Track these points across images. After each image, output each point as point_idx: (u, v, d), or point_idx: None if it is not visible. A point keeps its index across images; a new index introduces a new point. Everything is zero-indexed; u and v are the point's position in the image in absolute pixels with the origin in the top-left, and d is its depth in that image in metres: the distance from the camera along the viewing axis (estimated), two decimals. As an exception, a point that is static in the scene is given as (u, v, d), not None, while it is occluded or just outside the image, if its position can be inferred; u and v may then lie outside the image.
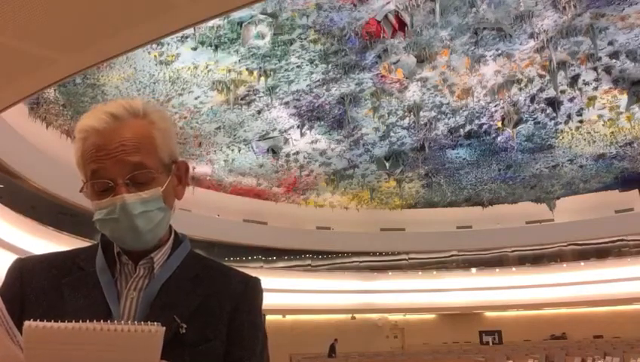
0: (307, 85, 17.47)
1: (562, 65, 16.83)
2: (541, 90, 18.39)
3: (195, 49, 15.08)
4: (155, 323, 0.84)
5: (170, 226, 1.14)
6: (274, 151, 20.40)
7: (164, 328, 0.84)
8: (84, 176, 1.06)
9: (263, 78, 16.64)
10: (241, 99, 17.68)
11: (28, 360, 0.84)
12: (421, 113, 19.20)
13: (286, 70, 16.65)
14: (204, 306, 1.06)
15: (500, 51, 16.56)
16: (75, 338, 0.84)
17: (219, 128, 19.18)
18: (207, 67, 16.00)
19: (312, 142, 20.68)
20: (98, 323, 0.85)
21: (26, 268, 1.10)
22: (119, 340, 0.83)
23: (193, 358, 1.00)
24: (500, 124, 19.95)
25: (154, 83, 16.27)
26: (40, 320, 0.84)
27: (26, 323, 0.83)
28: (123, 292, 1.05)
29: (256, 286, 1.17)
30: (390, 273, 25.99)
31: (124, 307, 1.04)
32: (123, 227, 1.02)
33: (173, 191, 1.11)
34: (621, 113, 19.17)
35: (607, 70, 17.21)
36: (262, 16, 14.28)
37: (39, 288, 1.06)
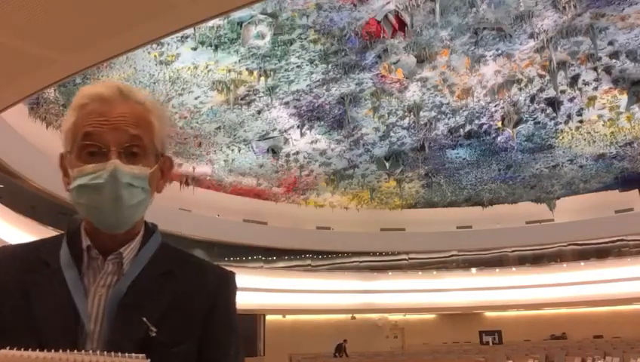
0: (307, 85, 17.47)
1: (562, 65, 16.83)
2: (541, 90, 18.39)
3: (195, 49, 15.08)
4: (135, 355, 0.80)
5: (143, 218, 1.09)
6: (274, 151, 20.40)
7: (149, 360, 0.81)
8: (70, 143, 1.01)
9: (263, 78, 16.64)
10: (241, 99, 17.68)
11: None
12: (421, 113, 19.20)
13: (286, 70, 16.65)
14: (177, 305, 1.01)
15: (500, 51, 16.56)
16: None
17: (219, 128, 19.18)
18: (207, 67, 16.00)
19: (312, 142, 20.68)
20: (79, 353, 0.80)
21: None
22: None
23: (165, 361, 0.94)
24: (499, 124, 19.95)
25: (154, 83, 16.27)
26: (11, 348, 0.79)
27: (1, 352, 0.80)
28: (91, 290, 1.00)
29: (232, 282, 1.13)
30: (390, 273, 25.99)
31: (91, 306, 0.98)
32: (105, 195, 0.96)
33: (156, 181, 1.07)
34: (621, 113, 19.16)
35: (607, 70, 17.21)
36: (262, 16, 14.28)
37: (4, 287, 0.99)
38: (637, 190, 23.22)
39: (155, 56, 15.16)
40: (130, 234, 1.04)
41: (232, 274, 1.14)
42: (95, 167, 0.97)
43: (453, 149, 21.68)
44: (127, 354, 0.80)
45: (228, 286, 1.12)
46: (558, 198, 24.97)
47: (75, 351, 0.81)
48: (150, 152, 1.03)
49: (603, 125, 19.95)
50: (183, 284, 1.05)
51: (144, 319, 0.95)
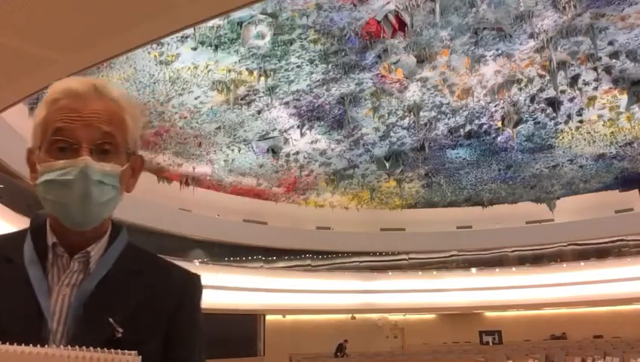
0: (307, 85, 17.47)
1: (562, 65, 16.83)
2: (541, 90, 18.39)
3: (195, 49, 15.08)
4: (128, 352, 0.79)
5: (111, 216, 1.07)
6: (274, 151, 20.40)
7: (140, 357, 0.80)
8: (40, 139, 0.99)
9: (263, 78, 16.64)
10: (241, 99, 17.68)
11: None
12: (421, 113, 19.20)
13: (286, 70, 16.65)
14: (143, 305, 1.00)
15: (500, 51, 16.56)
16: None
17: (219, 128, 19.18)
18: (207, 67, 16.00)
19: (312, 142, 20.68)
20: (66, 349, 0.77)
21: None
22: None
23: None
24: (499, 124, 19.95)
25: (154, 83, 16.27)
26: None
27: None
28: (54, 288, 0.97)
29: (198, 284, 1.12)
30: (390, 273, 25.98)
31: (55, 304, 0.96)
32: (75, 191, 0.95)
33: (127, 179, 1.05)
34: (621, 113, 19.16)
35: (607, 70, 17.20)
36: (262, 16, 14.28)
37: None
38: (637, 190, 23.21)
39: (155, 56, 15.16)
40: (97, 231, 1.03)
41: (197, 276, 1.13)
42: (65, 163, 0.95)
43: (453, 149, 21.67)
44: (119, 351, 0.78)
45: (194, 286, 1.11)
46: (558, 198, 24.97)
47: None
48: (122, 150, 1.02)
49: (603, 125, 19.95)
50: (150, 284, 1.04)
51: (110, 320, 0.94)
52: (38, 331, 0.93)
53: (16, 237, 1.04)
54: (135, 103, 1.09)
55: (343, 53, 16.13)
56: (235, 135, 19.75)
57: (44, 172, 0.97)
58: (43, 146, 0.98)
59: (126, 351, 0.78)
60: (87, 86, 1.01)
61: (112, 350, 0.78)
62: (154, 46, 14.33)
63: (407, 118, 19.65)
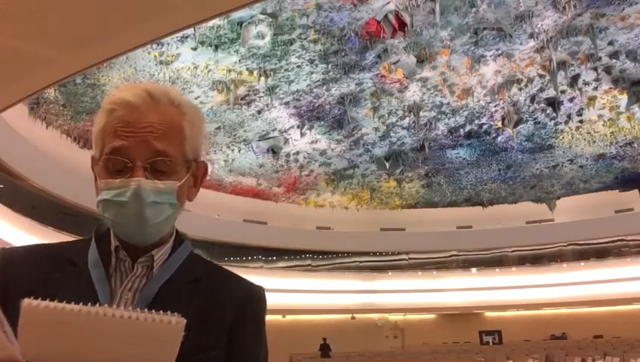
0: (307, 85, 17.47)
1: (562, 65, 16.83)
2: (541, 90, 18.39)
3: (195, 49, 15.08)
4: (171, 313, 0.78)
5: (173, 225, 1.07)
6: (274, 151, 20.40)
7: (185, 320, 0.79)
8: (99, 151, 0.99)
9: (263, 78, 16.64)
10: (241, 99, 17.69)
11: (23, 347, 0.73)
12: (421, 113, 19.20)
13: (286, 70, 16.65)
14: (205, 312, 0.99)
15: (500, 51, 16.56)
16: (82, 322, 0.75)
17: (219, 128, 19.18)
18: (207, 67, 16.00)
19: (312, 142, 20.68)
20: (111, 307, 0.77)
21: (10, 259, 1.02)
22: (135, 330, 0.75)
23: None
24: (500, 124, 19.95)
25: (154, 83, 16.26)
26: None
27: (25, 301, 0.76)
28: (117, 292, 0.97)
29: (261, 296, 1.11)
30: (390, 273, 25.98)
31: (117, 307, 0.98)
32: (129, 213, 0.94)
33: (187, 190, 1.04)
34: (621, 113, 19.16)
35: (607, 70, 17.21)
36: (262, 16, 14.28)
37: (25, 283, 0.96)
38: (637, 190, 23.20)
39: (155, 56, 15.17)
40: (160, 239, 1.03)
41: (260, 288, 1.12)
42: (120, 183, 0.95)
43: (453, 149, 21.68)
44: (161, 312, 0.77)
45: (256, 298, 1.10)
46: (558, 198, 24.96)
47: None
48: (179, 163, 1.00)
49: (603, 125, 19.95)
50: (211, 293, 1.03)
51: None
52: None
53: (81, 243, 1.05)
54: (195, 108, 1.06)
55: (343, 53, 16.13)
56: (235, 135, 19.76)
57: (102, 189, 0.97)
58: (101, 160, 0.98)
59: (169, 312, 0.78)
60: (141, 96, 0.98)
61: (154, 311, 0.78)
62: (154, 46, 14.33)
63: (407, 118, 19.65)
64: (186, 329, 0.88)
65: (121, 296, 0.97)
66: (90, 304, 0.86)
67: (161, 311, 0.79)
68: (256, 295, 1.10)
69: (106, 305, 0.80)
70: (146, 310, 0.79)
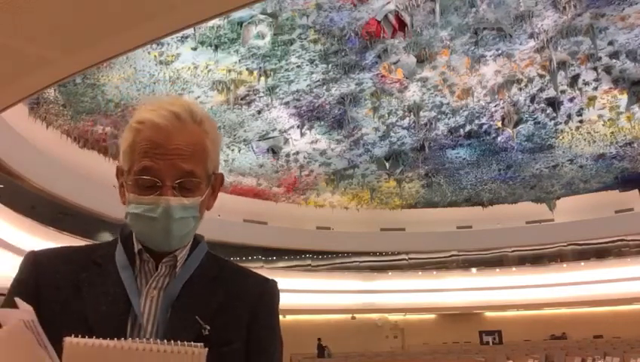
0: (307, 85, 17.47)
1: (562, 65, 16.83)
2: (541, 90, 18.39)
3: (195, 49, 15.08)
4: (195, 343, 0.84)
5: None
6: (274, 151, 20.40)
7: (207, 349, 0.84)
8: (128, 166, 1.05)
9: (263, 78, 16.64)
10: (241, 99, 17.68)
11: None
12: (421, 113, 19.20)
13: (286, 70, 16.65)
14: (225, 308, 1.06)
15: (500, 51, 16.56)
16: (117, 357, 0.82)
17: (219, 128, 19.07)
18: (207, 67, 16.00)
19: (312, 142, 20.68)
20: (141, 341, 0.84)
21: (41, 262, 1.08)
22: (162, 361, 0.82)
23: (216, 360, 0.96)
24: (499, 124, 19.95)
25: (154, 83, 16.27)
26: (76, 335, 0.83)
27: (67, 339, 0.82)
28: (143, 291, 1.05)
29: (274, 289, 1.17)
30: (390, 273, 25.98)
31: (144, 306, 1.03)
32: (158, 228, 1.02)
33: (207, 201, 1.12)
34: (621, 113, 19.16)
35: (607, 70, 17.21)
36: (262, 16, 14.28)
37: (55, 284, 1.04)
38: (637, 190, 23.21)
39: (155, 56, 15.16)
40: None
41: (273, 282, 1.17)
42: (150, 200, 1.02)
43: (453, 149, 21.68)
44: (185, 343, 0.83)
45: (270, 291, 1.15)
46: (558, 198, 24.96)
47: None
48: (203, 180, 1.07)
49: (603, 125, 19.95)
50: (229, 289, 1.10)
51: (197, 318, 1.01)
52: (130, 330, 1.00)
53: (106, 246, 1.12)
54: (213, 122, 1.13)
55: (343, 53, 16.13)
56: (235, 135, 19.76)
57: (131, 203, 1.04)
58: (130, 176, 1.04)
59: (192, 342, 0.84)
60: (168, 117, 1.03)
61: (179, 342, 0.85)
62: (154, 46, 14.33)
63: (407, 118, 19.65)
64: (209, 324, 1.01)
65: (147, 295, 1.04)
66: (120, 303, 1.00)
67: (185, 342, 0.84)
68: (269, 289, 1.15)
69: (137, 340, 0.86)
70: (172, 342, 0.84)
